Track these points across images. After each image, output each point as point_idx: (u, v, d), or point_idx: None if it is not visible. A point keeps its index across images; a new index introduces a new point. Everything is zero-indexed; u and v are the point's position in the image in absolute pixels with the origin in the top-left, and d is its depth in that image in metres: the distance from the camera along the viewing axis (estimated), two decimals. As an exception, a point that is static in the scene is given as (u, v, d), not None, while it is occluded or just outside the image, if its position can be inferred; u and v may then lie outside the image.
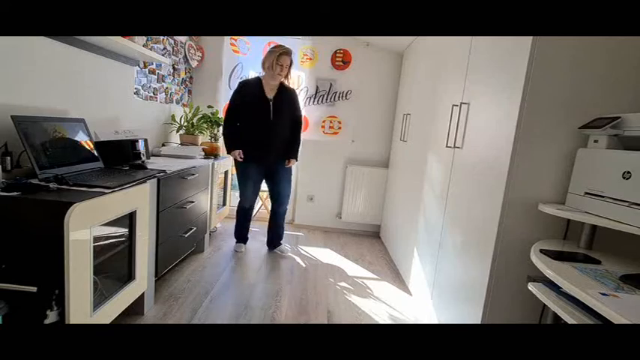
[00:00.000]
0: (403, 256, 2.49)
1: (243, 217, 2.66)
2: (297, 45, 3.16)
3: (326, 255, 2.78)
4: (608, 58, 1.15)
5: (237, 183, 2.57)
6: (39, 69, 1.52)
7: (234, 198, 3.61)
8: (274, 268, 2.44)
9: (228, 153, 2.47)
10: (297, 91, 3.21)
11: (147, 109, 2.50)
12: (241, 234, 2.71)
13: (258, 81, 2.41)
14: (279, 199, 2.60)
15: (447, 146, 1.76)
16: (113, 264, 1.44)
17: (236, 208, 2.65)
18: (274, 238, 2.72)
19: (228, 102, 2.48)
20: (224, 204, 3.04)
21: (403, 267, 2.46)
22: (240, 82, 2.49)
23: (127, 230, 1.47)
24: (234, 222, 3.35)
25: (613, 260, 1.06)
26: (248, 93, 2.39)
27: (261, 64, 2.41)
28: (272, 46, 2.45)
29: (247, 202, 2.59)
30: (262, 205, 3.24)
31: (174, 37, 2.79)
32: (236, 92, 2.44)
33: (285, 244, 2.78)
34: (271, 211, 2.67)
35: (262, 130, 2.39)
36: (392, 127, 3.32)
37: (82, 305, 1.19)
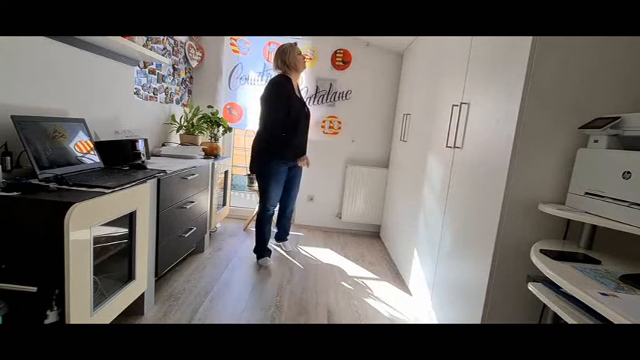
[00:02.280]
0: (403, 256, 2.49)
1: (268, 223, 2.49)
2: (299, 46, 3.15)
3: (326, 255, 2.78)
4: (608, 58, 1.15)
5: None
6: (39, 69, 1.52)
7: (234, 198, 3.62)
8: (274, 267, 2.43)
9: (296, 159, 2.39)
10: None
11: (147, 109, 2.50)
12: (266, 244, 2.51)
13: (288, 79, 2.31)
14: (295, 197, 2.66)
15: (447, 146, 1.76)
16: (113, 264, 1.44)
17: (259, 216, 2.44)
18: (283, 233, 2.78)
19: (270, 104, 2.25)
20: (224, 204, 3.04)
21: (403, 267, 2.46)
22: (279, 82, 2.28)
23: (127, 230, 1.47)
24: (233, 222, 3.35)
25: (613, 260, 1.06)
26: (289, 91, 2.28)
27: (281, 64, 2.30)
28: (280, 46, 2.35)
29: (274, 206, 2.47)
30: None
31: (174, 37, 2.79)
32: (282, 93, 2.25)
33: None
34: (284, 209, 2.67)
35: (304, 129, 2.42)
36: (392, 127, 3.32)
37: (82, 305, 1.19)
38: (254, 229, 2.51)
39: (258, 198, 2.85)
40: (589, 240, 1.15)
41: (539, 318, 1.23)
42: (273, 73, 2.41)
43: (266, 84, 2.35)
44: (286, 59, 2.30)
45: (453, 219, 1.68)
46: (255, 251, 2.52)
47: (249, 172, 2.69)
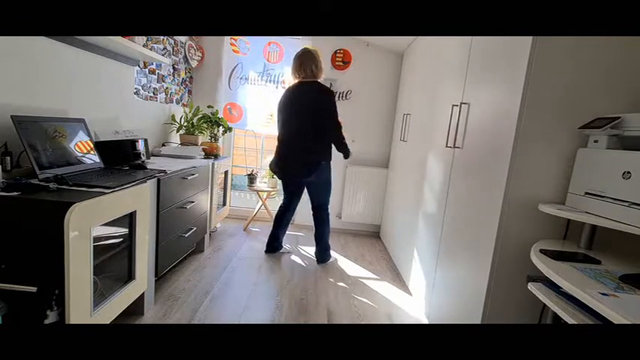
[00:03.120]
0: (403, 256, 2.49)
1: None
2: (298, 45, 3.16)
3: (326, 255, 2.77)
4: (608, 58, 1.15)
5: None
6: (39, 69, 1.52)
7: (234, 198, 3.62)
8: (274, 268, 2.44)
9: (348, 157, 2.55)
10: None
11: (147, 109, 2.50)
12: None
13: None
14: None
15: (447, 146, 1.76)
16: (113, 264, 1.44)
17: (327, 218, 2.60)
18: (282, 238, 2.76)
19: (336, 112, 2.37)
20: (224, 204, 3.04)
21: (403, 267, 2.46)
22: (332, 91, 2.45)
23: (127, 230, 1.47)
24: (233, 222, 3.35)
25: (613, 260, 1.06)
26: None
27: (315, 69, 2.34)
28: (307, 51, 2.36)
29: None
30: (263, 204, 3.24)
31: (174, 37, 2.79)
32: None
33: (286, 245, 2.78)
34: (293, 213, 2.76)
35: None
36: (392, 127, 3.32)
37: (82, 305, 1.19)
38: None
39: (283, 199, 2.69)
40: (589, 240, 1.15)
41: (539, 318, 1.23)
42: (287, 77, 2.45)
43: (323, 92, 2.32)
44: (319, 65, 2.35)
45: (452, 219, 1.68)
46: (327, 257, 2.60)
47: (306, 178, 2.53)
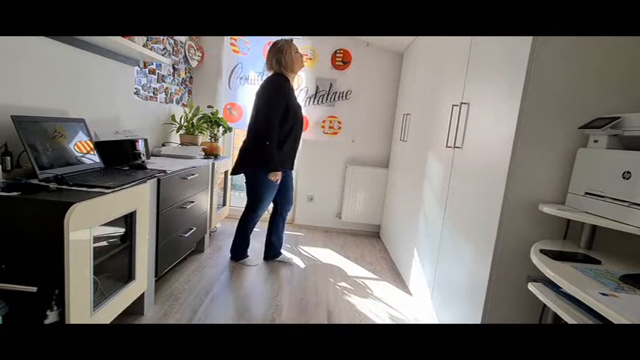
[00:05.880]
0: (403, 256, 2.49)
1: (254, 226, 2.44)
2: (297, 45, 3.15)
3: (326, 255, 2.78)
4: (608, 58, 1.15)
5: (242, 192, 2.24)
6: (39, 69, 1.52)
7: (234, 198, 3.62)
8: (274, 268, 2.43)
9: (272, 171, 2.15)
10: (297, 91, 3.18)
11: (147, 109, 2.50)
12: (248, 246, 2.49)
13: (286, 80, 2.17)
14: (292, 198, 2.52)
15: (447, 146, 1.76)
16: (113, 264, 1.44)
17: (246, 220, 2.36)
18: (279, 246, 2.59)
19: (270, 108, 2.09)
20: (224, 204, 3.04)
21: (403, 267, 2.46)
22: (277, 82, 2.15)
23: (127, 230, 1.47)
24: (233, 222, 3.35)
25: (613, 260, 1.06)
26: (290, 95, 2.17)
27: (275, 64, 2.16)
28: (274, 44, 2.21)
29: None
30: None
31: (174, 37, 2.79)
32: (284, 96, 2.13)
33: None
34: (282, 213, 2.49)
35: (299, 134, 2.28)
36: (392, 127, 3.32)
37: (82, 305, 1.19)
38: (255, 230, 2.48)
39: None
40: (589, 240, 1.15)
41: (539, 318, 1.24)
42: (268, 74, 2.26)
43: (261, 84, 2.22)
44: (281, 59, 2.14)
45: (452, 219, 1.68)
46: (237, 253, 2.42)
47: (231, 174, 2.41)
